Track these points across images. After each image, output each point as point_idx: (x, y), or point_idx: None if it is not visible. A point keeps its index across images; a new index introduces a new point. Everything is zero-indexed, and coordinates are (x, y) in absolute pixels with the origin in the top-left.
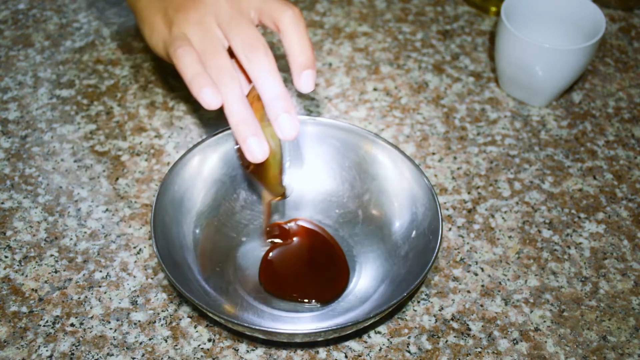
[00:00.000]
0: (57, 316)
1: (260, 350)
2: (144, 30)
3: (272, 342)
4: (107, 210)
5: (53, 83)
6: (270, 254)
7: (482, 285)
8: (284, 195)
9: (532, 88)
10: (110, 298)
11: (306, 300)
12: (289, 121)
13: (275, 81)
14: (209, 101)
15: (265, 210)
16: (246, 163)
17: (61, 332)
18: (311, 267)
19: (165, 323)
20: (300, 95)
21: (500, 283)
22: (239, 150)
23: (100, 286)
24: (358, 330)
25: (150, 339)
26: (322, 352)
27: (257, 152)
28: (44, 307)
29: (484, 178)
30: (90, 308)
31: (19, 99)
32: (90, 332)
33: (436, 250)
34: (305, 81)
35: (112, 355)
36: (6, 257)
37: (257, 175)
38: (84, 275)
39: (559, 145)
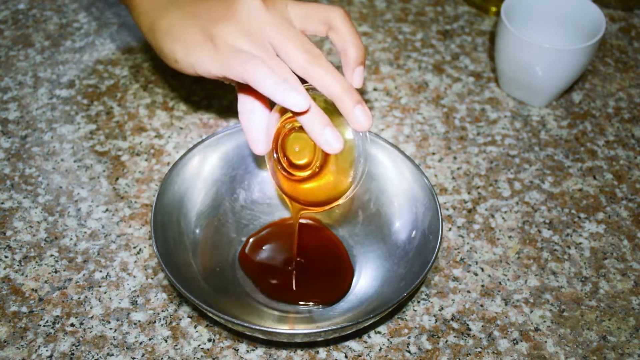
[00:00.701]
0: (57, 316)
1: (260, 350)
2: (174, 48)
3: (272, 342)
4: (107, 210)
5: (53, 83)
6: (266, 256)
7: (482, 285)
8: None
9: (532, 88)
10: (110, 298)
11: (311, 304)
12: (363, 112)
13: (339, 77)
14: (299, 102)
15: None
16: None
17: (61, 332)
18: (313, 267)
19: (165, 323)
20: None
21: (500, 283)
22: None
23: (100, 286)
24: (358, 330)
25: (150, 339)
26: (322, 352)
27: (334, 142)
28: (44, 307)
29: (484, 178)
30: (90, 308)
31: (19, 99)
32: (90, 332)
33: (436, 250)
34: (357, 76)
35: (112, 355)
36: (6, 257)
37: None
38: (84, 275)
39: (559, 145)
